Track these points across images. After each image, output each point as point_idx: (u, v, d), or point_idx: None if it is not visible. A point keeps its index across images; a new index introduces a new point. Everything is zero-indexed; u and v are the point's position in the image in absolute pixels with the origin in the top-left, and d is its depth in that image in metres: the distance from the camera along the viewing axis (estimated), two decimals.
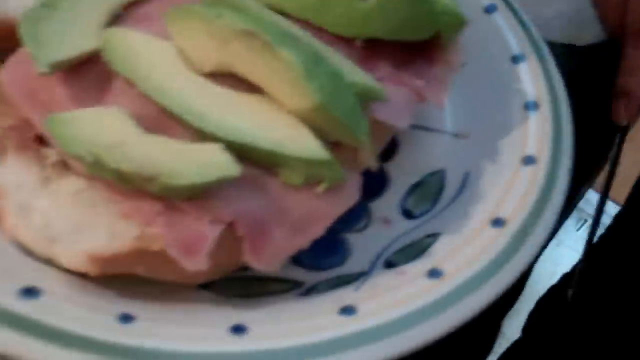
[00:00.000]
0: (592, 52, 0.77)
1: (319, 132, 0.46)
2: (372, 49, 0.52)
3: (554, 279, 0.99)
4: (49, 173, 0.47)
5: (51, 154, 0.47)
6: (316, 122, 0.46)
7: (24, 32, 0.47)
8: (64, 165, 0.47)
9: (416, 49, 0.54)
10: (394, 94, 0.51)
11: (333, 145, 0.47)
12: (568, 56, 0.75)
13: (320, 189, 0.46)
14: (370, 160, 0.49)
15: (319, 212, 0.46)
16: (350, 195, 0.47)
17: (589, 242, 0.78)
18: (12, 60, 0.49)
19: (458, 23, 0.54)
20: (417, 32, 0.53)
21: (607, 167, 0.77)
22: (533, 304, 1.00)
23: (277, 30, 0.45)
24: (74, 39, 0.48)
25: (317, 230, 0.46)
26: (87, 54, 0.48)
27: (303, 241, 0.46)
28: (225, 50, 0.46)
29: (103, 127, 0.44)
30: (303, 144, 0.45)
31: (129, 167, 0.43)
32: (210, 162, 0.43)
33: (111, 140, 0.44)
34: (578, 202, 0.91)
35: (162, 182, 0.42)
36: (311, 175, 0.46)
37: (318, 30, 0.51)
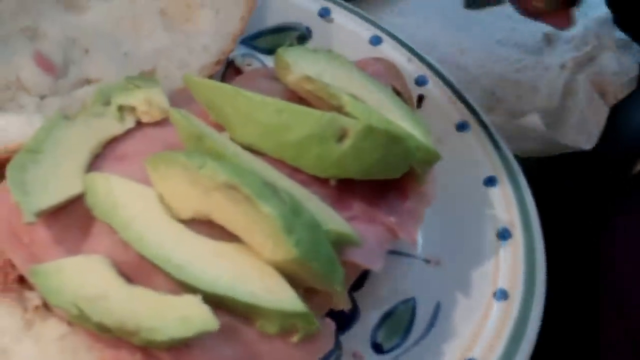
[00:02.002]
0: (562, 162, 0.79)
1: (294, 280, 0.47)
2: (346, 188, 0.54)
3: None
4: (32, 316, 0.48)
5: (34, 297, 0.48)
6: (293, 271, 0.47)
7: (10, 180, 0.48)
8: (46, 308, 0.48)
9: (389, 181, 0.56)
10: (367, 235, 0.52)
11: (306, 290, 0.48)
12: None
13: (295, 339, 0.47)
14: (343, 304, 0.50)
15: None
16: (325, 343, 0.48)
17: None
18: None
19: (432, 159, 0.55)
20: (391, 171, 0.54)
21: None
22: None
23: (257, 181, 0.47)
24: (58, 184, 0.49)
25: None
26: (71, 199, 0.49)
27: None
28: (205, 199, 0.47)
29: (85, 278, 0.46)
30: (279, 295, 0.46)
31: (111, 321, 0.44)
32: (189, 317, 0.44)
33: (93, 293, 0.45)
34: None
35: (142, 336, 0.43)
36: (287, 325, 0.47)
37: (294, 170, 0.53)
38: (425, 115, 0.66)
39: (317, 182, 0.53)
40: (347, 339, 0.57)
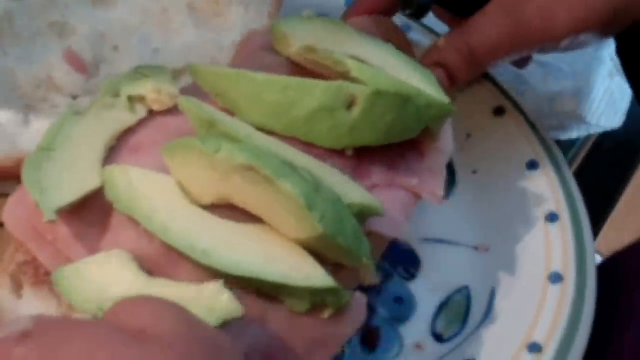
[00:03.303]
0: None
1: (321, 257, 0.47)
2: (363, 157, 0.53)
3: None
4: (66, 309, 0.48)
5: None
6: (318, 248, 0.46)
7: (27, 180, 0.48)
8: None
9: (404, 143, 0.55)
10: (389, 202, 0.52)
11: (334, 266, 0.48)
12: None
13: (326, 315, 0.47)
14: (371, 277, 0.49)
15: (326, 337, 0.47)
16: (357, 317, 0.48)
17: None
18: (13, 202, 0.50)
19: (445, 113, 0.54)
20: (406, 134, 0.54)
21: None
22: None
23: (275, 161, 0.46)
24: (75, 180, 0.49)
25: (327, 354, 0.47)
26: (90, 193, 0.49)
27: None
28: (224, 183, 0.47)
29: (108, 277, 0.45)
30: (307, 272, 0.46)
31: None
32: (213, 306, 0.44)
33: (118, 292, 0.45)
34: None
35: None
36: (317, 301, 0.46)
37: (308, 146, 0.52)
38: (461, 101, 0.65)
39: (333, 154, 0.53)
40: (407, 330, 0.57)
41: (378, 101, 0.51)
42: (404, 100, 0.52)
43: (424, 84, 0.54)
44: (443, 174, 0.56)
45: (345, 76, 0.53)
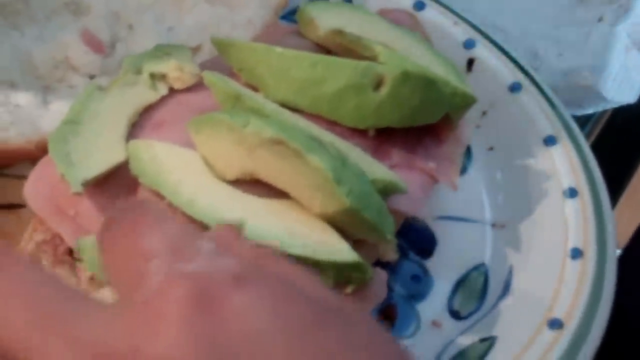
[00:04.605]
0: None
1: (344, 233, 0.47)
2: (384, 137, 0.54)
3: None
4: (86, 286, 0.48)
5: (86, 268, 0.48)
6: (343, 223, 0.46)
7: (53, 152, 0.48)
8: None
9: (424, 128, 0.55)
10: (409, 182, 0.52)
11: (355, 242, 0.48)
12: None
13: (349, 290, 0.47)
14: (392, 254, 0.50)
15: None
16: (378, 292, 0.48)
17: None
18: (33, 177, 0.50)
19: (468, 103, 0.55)
20: (429, 117, 0.54)
21: None
22: None
23: (303, 135, 0.46)
24: (100, 153, 0.49)
25: None
26: (114, 167, 0.49)
27: None
28: (250, 158, 0.47)
29: None
30: (333, 247, 0.46)
31: None
32: None
33: None
34: None
35: None
36: (341, 276, 0.46)
37: (331, 124, 0.52)
38: (476, 78, 0.65)
39: (355, 133, 0.53)
40: (424, 308, 0.57)
41: (405, 82, 0.51)
42: (430, 84, 0.52)
43: (449, 74, 0.55)
44: (460, 162, 0.56)
45: (372, 61, 0.53)
